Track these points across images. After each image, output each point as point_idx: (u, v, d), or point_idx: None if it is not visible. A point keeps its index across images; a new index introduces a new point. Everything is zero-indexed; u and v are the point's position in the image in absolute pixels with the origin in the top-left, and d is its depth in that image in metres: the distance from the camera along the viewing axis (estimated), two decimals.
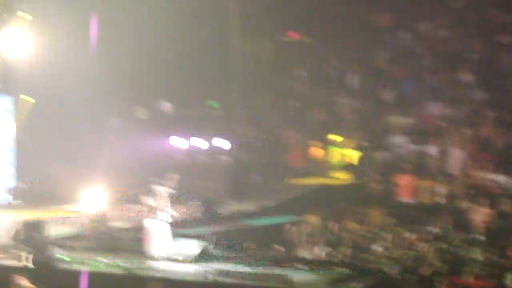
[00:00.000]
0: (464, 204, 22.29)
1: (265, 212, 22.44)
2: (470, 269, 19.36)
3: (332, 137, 27.36)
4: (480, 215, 21.77)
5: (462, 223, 21.96)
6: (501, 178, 23.00)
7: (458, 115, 25.79)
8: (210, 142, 25.91)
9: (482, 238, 20.67)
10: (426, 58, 28.66)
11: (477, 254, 19.62)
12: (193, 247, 19.12)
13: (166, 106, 27.59)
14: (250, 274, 17.67)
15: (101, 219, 21.44)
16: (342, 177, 25.71)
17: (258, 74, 30.57)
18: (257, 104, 29.35)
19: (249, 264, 18.78)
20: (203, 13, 28.48)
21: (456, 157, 24.31)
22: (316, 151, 26.97)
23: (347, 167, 26.18)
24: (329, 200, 23.75)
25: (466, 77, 26.87)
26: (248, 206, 23.29)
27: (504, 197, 22.13)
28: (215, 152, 25.79)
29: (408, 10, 30.97)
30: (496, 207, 21.85)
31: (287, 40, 31.60)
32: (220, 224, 21.99)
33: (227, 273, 17.62)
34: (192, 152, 25.68)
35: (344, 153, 26.79)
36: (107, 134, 26.66)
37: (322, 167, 26.53)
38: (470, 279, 18.57)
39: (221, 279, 17.32)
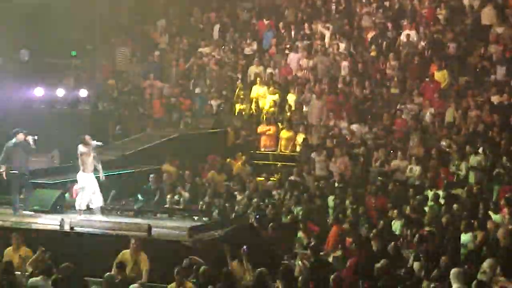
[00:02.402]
0: (322, 153, 22.70)
1: (125, 161, 22.23)
2: (327, 216, 19.84)
3: (194, 87, 27.37)
4: (337, 163, 22.25)
5: (320, 172, 22.47)
6: (355, 127, 23.57)
7: (317, 66, 26.16)
8: (69, 91, 25.44)
9: (339, 185, 21.13)
10: (287, 9, 28.88)
11: (333, 201, 20.10)
12: (52, 196, 18.80)
13: (24, 55, 26.84)
14: (109, 223, 17.56)
15: None
16: (204, 126, 25.74)
17: (119, 23, 30.17)
18: (119, 53, 28.96)
19: (109, 213, 18.68)
20: None
21: (315, 107, 24.73)
22: (179, 101, 26.91)
23: (210, 117, 26.24)
24: (190, 149, 23.82)
25: (326, 28, 27.26)
26: (108, 156, 23.05)
27: (359, 146, 22.69)
28: (75, 101, 25.34)
29: None
30: (352, 155, 22.37)
31: None
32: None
33: (86, 223, 17.45)
34: (51, 101, 25.14)
35: (207, 103, 26.83)
36: None
37: (184, 117, 26.50)
38: (326, 226, 18.99)
39: (79, 228, 17.12)
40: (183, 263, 14.57)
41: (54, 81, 25.76)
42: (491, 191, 19.26)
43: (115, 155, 22.61)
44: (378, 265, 14.39)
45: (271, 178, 22.68)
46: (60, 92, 25.08)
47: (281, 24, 28.24)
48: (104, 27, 29.03)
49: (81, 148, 17.82)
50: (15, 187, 18.33)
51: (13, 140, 18.21)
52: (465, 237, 16.55)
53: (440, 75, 24.19)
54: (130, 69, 28.57)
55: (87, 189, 17.76)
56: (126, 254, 15.28)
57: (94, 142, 17.93)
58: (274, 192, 21.28)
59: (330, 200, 20.21)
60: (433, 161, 21.08)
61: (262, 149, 24.75)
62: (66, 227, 17.01)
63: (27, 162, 18.49)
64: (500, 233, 16.26)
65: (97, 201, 17.93)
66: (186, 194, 21.11)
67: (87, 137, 17.95)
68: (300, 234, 18.29)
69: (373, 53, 25.84)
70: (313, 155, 22.83)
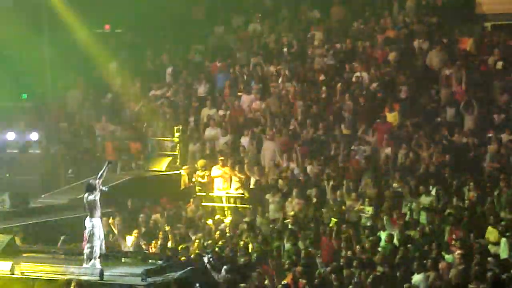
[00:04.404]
0: (277, 195, 22.70)
1: (77, 205, 22.00)
2: (282, 259, 19.77)
3: (147, 129, 27.30)
4: (291, 205, 22.25)
5: (273, 214, 22.43)
6: (309, 169, 23.62)
7: (270, 107, 26.26)
8: (20, 135, 25.22)
9: (294, 228, 21.08)
10: (240, 52, 29.05)
11: (289, 244, 20.04)
12: (2, 241, 18.51)
13: None
14: (61, 267, 17.34)
15: None
16: (157, 169, 25.65)
17: (71, 66, 30.05)
18: (70, 96, 28.86)
19: (61, 258, 18.46)
20: (13, 4, 27.86)
21: (268, 149, 24.78)
22: (132, 144, 26.83)
23: (163, 159, 26.16)
24: (143, 192, 23.70)
25: (279, 70, 27.42)
26: (60, 199, 22.87)
27: (313, 187, 22.72)
28: (26, 144, 25.11)
29: (223, 5, 31.40)
30: (305, 197, 22.39)
31: (101, 32, 31.24)
32: (30, 218, 21.49)
33: (37, 268, 17.21)
34: (2, 145, 24.90)
35: (160, 145, 26.78)
36: None
37: (137, 159, 26.40)
38: (281, 269, 18.93)
39: (31, 274, 16.88)
40: None
41: (4, 124, 25.52)
42: (442, 232, 19.37)
43: (67, 199, 22.41)
44: None
45: (225, 220, 22.61)
46: (11, 136, 24.83)
47: (236, 67, 28.33)
48: (55, 69, 28.93)
49: (87, 194, 17.48)
50: None
51: None
52: (417, 278, 16.63)
53: (392, 116, 24.42)
54: (82, 112, 28.43)
55: (96, 234, 17.39)
56: None
57: (101, 187, 17.55)
58: (228, 234, 21.20)
59: (285, 242, 20.16)
60: (386, 202, 21.17)
61: (216, 191, 24.69)
62: (17, 273, 16.74)
63: None
64: (452, 273, 16.40)
65: (102, 247, 17.58)
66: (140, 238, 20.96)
67: (92, 182, 17.61)
68: (254, 276, 18.22)
69: (324, 95, 26.00)
70: (267, 196, 22.84)
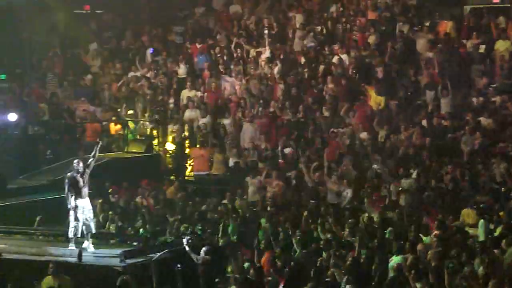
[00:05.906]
0: (256, 177, 22.70)
1: (56, 186, 21.93)
2: (260, 240, 19.80)
3: (127, 111, 27.22)
4: (271, 187, 22.26)
5: (253, 196, 22.44)
6: (288, 151, 23.61)
7: (250, 89, 26.21)
8: None
9: (273, 210, 21.11)
10: (220, 33, 28.96)
11: (266, 225, 20.06)
12: None
13: None
14: (40, 249, 17.33)
15: None
16: (136, 150, 25.57)
17: (50, 47, 29.86)
18: (49, 76, 28.67)
19: (39, 239, 18.44)
20: None
21: (248, 131, 24.76)
22: (111, 125, 26.75)
23: (142, 141, 26.09)
24: (123, 174, 23.64)
25: (259, 52, 27.39)
26: (38, 180, 22.78)
27: (292, 170, 22.73)
28: (4, 125, 24.96)
29: None
30: (284, 179, 22.40)
31: (81, 12, 31.08)
32: (8, 199, 21.40)
33: (15, 249, 17.19)
34: None
35: (140, 126, 26.71)
36: None
37: (116, 141, 26.33)
38: (259, 251, 18.97)
39: (8, 255, 16.83)
40: (118, 281, 14.58)
41: None
42: (421, 214, 19.43)
43: (45, 180, 22.33)
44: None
45: (205, 203, 22.55)
46: None
47: (216, 48, 28.23)
48: (35, 50, 28.75)
49: (69, 175, 17.34)
50: None
51: None
52: (395, 260, 16.68)
53: (373, 99, 24.42)
54: (62, 92, 28.28)
55: (80, 216, 17.25)
56: (48, 279, 15.15)
57: (82, 166, 17.37)
58: (208, 216, 21.18)
59: (263, 224, 20.16)
60: (365, 184, 21.19)
61: (195, 173, 24.66)
62: None
63: None
64: (429, 255, 16.46)
65: (91, 228, 17.47)
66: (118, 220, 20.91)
67: (75, 162, 17.46)
68: (233, 258, 18.25)
69: (304, 77, 25.98)
70: (246, 178, 22.82)
